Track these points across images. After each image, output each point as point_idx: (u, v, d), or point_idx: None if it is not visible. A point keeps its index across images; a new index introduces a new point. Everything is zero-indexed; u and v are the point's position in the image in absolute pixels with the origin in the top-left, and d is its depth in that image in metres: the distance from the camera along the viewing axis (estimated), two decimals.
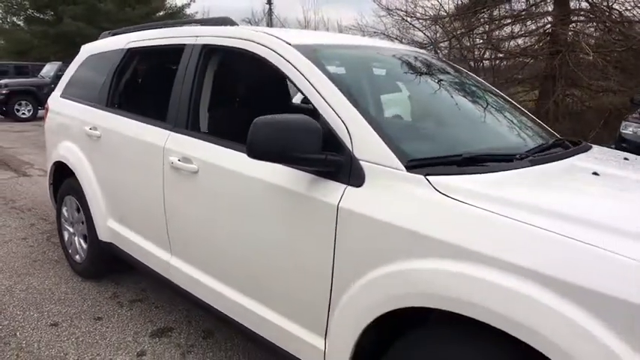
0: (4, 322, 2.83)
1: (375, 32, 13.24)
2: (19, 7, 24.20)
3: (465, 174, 1.57)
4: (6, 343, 2.62)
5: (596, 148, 2.31)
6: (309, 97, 1.85)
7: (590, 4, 11.90)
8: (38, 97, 13.00)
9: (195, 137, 2.30)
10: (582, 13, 12.34)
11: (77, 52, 3.63)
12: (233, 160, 2.05)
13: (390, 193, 1.57)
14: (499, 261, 1.29)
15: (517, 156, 1.80)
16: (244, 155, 1.72)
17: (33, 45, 23.39)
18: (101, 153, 2.98)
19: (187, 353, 2.57)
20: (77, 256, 3.43)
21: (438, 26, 13.16)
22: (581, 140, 2.31)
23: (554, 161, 1.83)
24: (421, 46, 13.50)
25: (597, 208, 1.44)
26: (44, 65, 14.99)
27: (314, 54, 1.99)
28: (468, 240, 1.36)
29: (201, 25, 2.59)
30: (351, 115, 1.74)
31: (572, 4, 12.32)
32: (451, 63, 2.95)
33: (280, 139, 1.64)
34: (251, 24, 30.54)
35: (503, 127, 2.27)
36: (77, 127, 3.18)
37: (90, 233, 3.19)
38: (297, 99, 3.17)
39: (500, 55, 12.70)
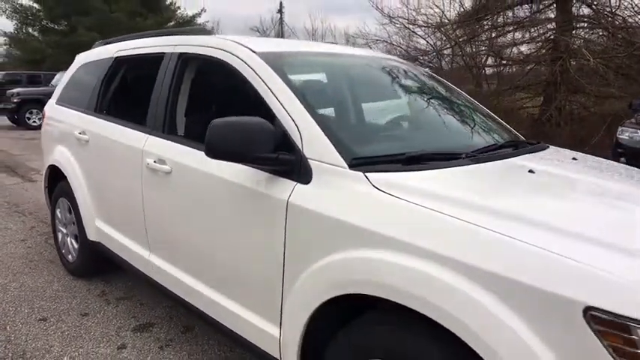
0: None
1: (377, 40, 13.36)
2: (34, 18, 24.81)
3: (402, 171, 1.69)
4: None
5: (552, 149, 2.41)
6: (267, 101, 1.98)
7: (594, 10, 11.92)
8: None
9: (169, 140, 2.44)
10: (585, 19, 12.37)
11: None
12: (201, 160, 2.17)
13: (332, 189, 1.69)
14: (420, 249, 1.40)
15: (463, 155, 1.90)
16: None
17: (47, 54, 23.94)
18: (89, 156, 3.14)
19: (165, 347, 2.69)
20: (69, 256, 3.58)
21: (440, 34, 13.24)
22: (539, 142, 2.41)
23: (495, 160, 1.93)
24: (424, 53, 13.63)
25: (513, 200, 1.55)
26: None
27: (276, 61, 2.12)
28: (395, 230, 1.47)
29: (180, 35, 2.73)
30: (303, 118, 1.86)
31: (575, 11, 12.34)
32: (417, 67, 3.07)
33: (235, 139, 1.76)
34: (259, 32, 30.96)
35: (458, 128, 2.38)
36: (69, 132, 3.35)
37: (80, 233, 3.34)
38: None
39: (503, 62, 12.74)
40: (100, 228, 3.13)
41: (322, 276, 1.65)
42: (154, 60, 2.73)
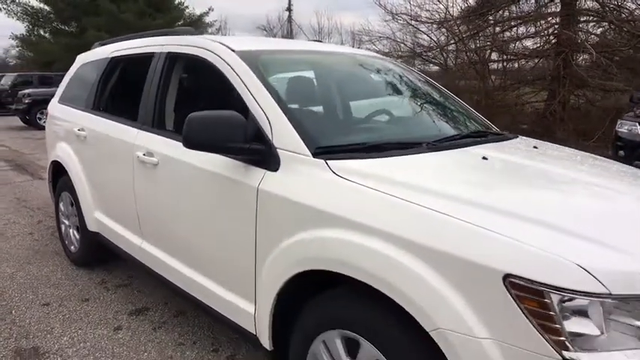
0: (2, 302, 3.18)
1: (380, 37, 13.45)
2: (45, 20, 25.22)
3: (362, 159, 1.83)
4: (2, 319, 2.96)
5: (519, 139, 2.53)
6: (242, 96, 2.14)
7: (600, 3, 11.87)
8: None
9: (157, 134, 2.61)
10: (591, 12, 12.34)
11: None
12: (184, 152, 2.33)
13: (297, 176, 1.84)
14: (366, 227, 1.55)
15: (423, 144, 2.04)
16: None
17: (58, 56, 24.33)
18: (87, 151, 3.32)
19: (158, 328, 2.87)
20: (72, 247, 3.78)
21: (444, 30, 13.29)
22: (505, 132, 2.54)
23: (454, 148, 2.07)
24: (428, 49, 13.69)
25: (456, 183, 1.69)
26: None
27: (252, 59, 2.27)
28: (347, 211, 1.62)
29: (168, 35, 2.90)
30: (274, 111, 2.02)
31: (579, 5, 12.31)
32: (394, 62, 3.20)
33: (210, 131, 1.92)
34: (266, 31, 31.11)
35: (426, 120, 2.52)
36: (69, 129, 3.54)
37: (81, 225, 3.53)
38: None
39: (505, 57, 12.76)
40: (98, 219, 3.31)
41: (287, 255, 1.80)
42: (145, 59, 2.90)
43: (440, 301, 1.38)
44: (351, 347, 1.67)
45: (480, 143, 2.23)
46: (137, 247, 2.85)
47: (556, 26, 12.19)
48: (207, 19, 28.28)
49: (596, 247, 1.33)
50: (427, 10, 13.30)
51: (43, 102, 13.80)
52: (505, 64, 13.11)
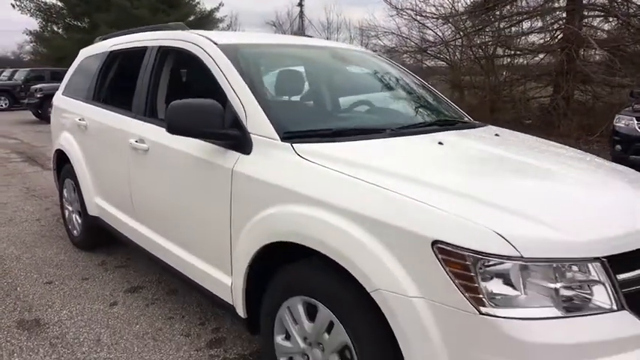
0: (9, 280, 3.42)
1: (385, 32, 13.56)
2: (58, 16, 25.66)
3: (326, 142, 2.01)
4: (8, 294, 3.20)
5: (486, 127, 2.69)
6: (222, 86, 2.32)
7: None
8: None
9: (148, 122, 2.81)
10: (597, 7, 12.32)
11: None
12: (171, 138, 2.53)
13: (266, 158, 2.03)
14: (320, 202, 1.73)
15: (387, 130, 2.21)
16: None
17: (71, 52, 24.72)
18: (88, 140, 3.54)
19: (151, 304, 3.08)
20: (75, 231, 4.01)
21: (449, 25, 13.36)
22: (475, 122, 2.70)
23: (416, 134, 2.24)
24: (433, 44, 13.77)
25: (404, 163, 1.86)
26: None
27: (232, 51, 2.46)
28: (306, 188, 1.80)
29: (160, 30, 3.10)
30: (249, 100, 2.20)
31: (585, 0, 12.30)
32: (374, 55, 3.37)
33: (191, 118, 2.12)
34: (275, 27, 31.28)
35: (395, 108, 2.69)
36: (71, 120, 3.76)
37: (82, 210, 3.75)
38: None
39: (511, 53, 12.81)
40: (98, 204, 3.53)
41: (256, 229, 1.99)
42: (140, 53, 3.10)
43: (379, 265, 1.56)
44: (311, 311, 1.86)
45: (444, 130, 2.39)
46: (132, 228, 3.05)
47: (562, 21, 12.21)
48: (218, 15, 28.53)
49: (514, 217, 1.50)
50: (433, 5, 13.39)
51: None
52: (510, 59, 13.16)
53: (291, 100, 2.63)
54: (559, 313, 1.43)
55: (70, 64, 4.27)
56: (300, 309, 1.89)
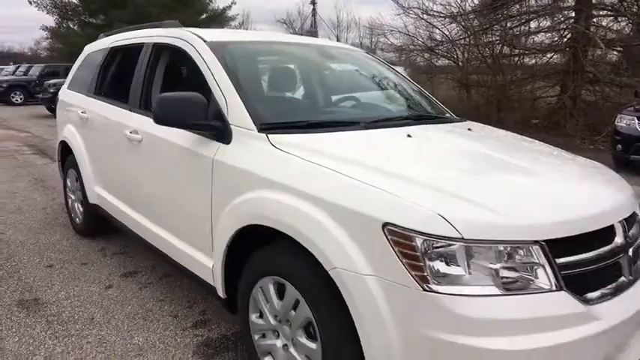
0: (12, 263, 3.61)
1: (392, 30, 13.64)
2: (74, 13, 26.05)
3: (297, 133, 2.14)
4: (11, 276, 3.39)
5: (463, 123, 2.80)
6: (207, 80, 2.47)
7: None
8: None
9: (142, 114, 2.96)
10: (607, 7, 12.27)
11: None
12: (161, 129, 2.68)
13: (244, 147, 2.17)
14: (288, 187, 1.87)
15: (361, 123, 2.34)
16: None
17: None
18: (89, 131, 3.71)
19: (144, 287, 3.24)
20: (77, 219, 4.19)
21: (456, 24, 13.39)
22: (454, 117, 2.81)
23: (388, 127, 2.36)
24: (439, 43, 13.82)
25: (370, 153, 1.99)
26: None
27: (219, 48, 2.60)
28: (280, 176, 1.94)
29: (156, 28, 3.25)
30: (231, 93, 2.34)
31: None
32: (361, 51, 3.49)
33: (176, 110, 2.26)
34: (286, 25, 31.43)
35: (373, 102, 2.81)
36: (74, 112, 3.93)
37: (84, 198, 3.92)
38: None
39: (518, 52, 12.81)
40: (98, 193, 3.70)
41: (232, 214, 2.13)
42: (137, 49, 3.26)
43: (337, 245, 1.69)
44: (281, 290, 1.99)
45: (419, 124, 2.51)
46: (128, 216, 3.22)
47: (571, 20, 12.18)
48: (230, 13, 28.73)
49: (460, 201, 1.62)
50: (440, 4, 13.43)
51: None
52: (517, 58, 13.16)
53: (272, 94, 2.76)
54: (498, 292, 1.54)
55: None
56: (271, 288, 2.03)
